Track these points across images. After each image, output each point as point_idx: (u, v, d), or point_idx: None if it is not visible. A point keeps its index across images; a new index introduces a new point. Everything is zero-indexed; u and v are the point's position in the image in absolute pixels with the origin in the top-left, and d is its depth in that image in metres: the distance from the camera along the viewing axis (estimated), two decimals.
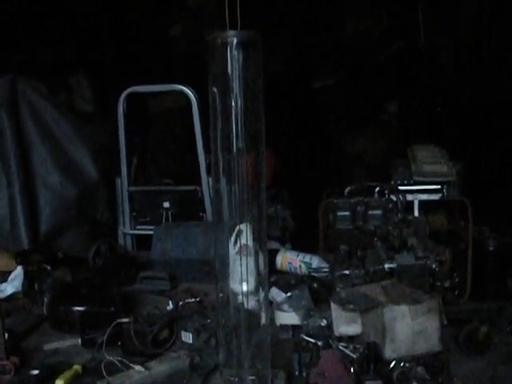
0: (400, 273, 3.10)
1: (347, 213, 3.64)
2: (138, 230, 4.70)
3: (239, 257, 2.46)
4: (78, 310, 3.29)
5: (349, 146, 7.16)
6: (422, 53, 7.63)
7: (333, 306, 2.83)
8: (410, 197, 3.79)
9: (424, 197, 3.82)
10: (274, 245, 4.16)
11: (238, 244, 2.51)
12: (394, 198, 3.66)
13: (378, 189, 3.73)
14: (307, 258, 3.86)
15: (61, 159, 4.27)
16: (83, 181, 4.31)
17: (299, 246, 4.14)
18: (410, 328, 2.62)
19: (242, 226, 2.45)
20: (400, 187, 3.83)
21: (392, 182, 3.89)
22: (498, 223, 3.92)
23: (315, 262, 3.80)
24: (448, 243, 3.55)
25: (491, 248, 3.58)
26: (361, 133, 7.18)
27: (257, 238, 2.47)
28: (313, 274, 3.65)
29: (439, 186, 3.82)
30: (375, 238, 3.36)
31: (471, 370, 2.76)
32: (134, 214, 4.68)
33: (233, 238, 2.49)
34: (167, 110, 6.28)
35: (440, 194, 3.82)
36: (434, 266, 3.08)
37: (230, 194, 2.35)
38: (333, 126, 7.45)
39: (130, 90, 4.51)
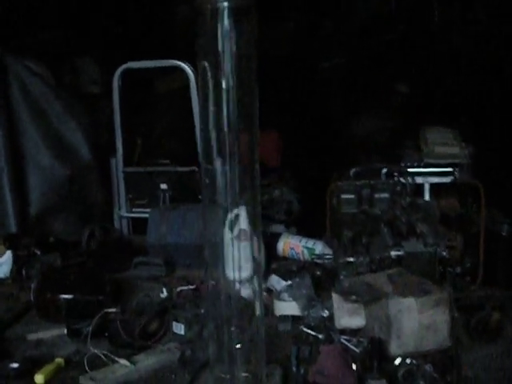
0: (408, 261, 2.94)
1: (352, 196, 3.46)
2: (135, 212, 4.50)
3: (235, 242, 2.39)
4: (64, 298, 3.11)
5: (358, 128, 6.93)
6: (434, 33, 7.49)
7: (334, 296, 2.65)
8: (420, 180, 3.68)
9: (435, 180, 3.69)
10: (278, 228, 4.01)
11: (236, 229, 2.48)
12: (402, 180, 3.46)
13: (385, 170, 3.54)
14: (310, 243, 3.68)
15: (52, 138, 4.13)
16: (75, 161, 4.18)
17: (305, 230, 3.99)
18: (417, 322, 2.44)
19: (239, 210, 2.33)
20: (410, 169, 3.71)
21: (402, 165, 3.76)
22: (508, 206, 3.84)
23: (319, 247, 3.62)
24: (459, 228, 3.43)
25: (504, 233, 3.51)
26: (370, 114, 6.95)
27: (251, 222, 2.34)
28: (316, 260, 3.47)
29: (451, 169, 3.68)
30: (382, 224, 3.18)
31: (481, 357, 2.60)
32: (130, 195, 4.48)
33: (227, 223, 2.38)
34: (173, 90, 6.10)
35: (452, 177, 3.68)
36: (444, 253, 2.88)
37: (225, 176, 2.20)
38: (341, 106, 7.26)
39: (125, 65, 4.32)
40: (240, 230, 2.59)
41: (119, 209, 4.53)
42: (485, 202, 3.44)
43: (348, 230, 3.23)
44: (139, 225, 4.39)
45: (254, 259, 2.34)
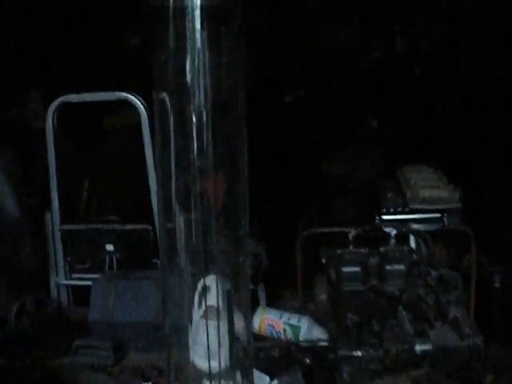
0: (437, 358, 2.37)
1: (356, 268, 2.85)
2: (75, 279, 3.91)
3: (202, 322, 1.86)
4: None
5: (328, 167, 6.55)
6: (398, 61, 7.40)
7: None
8: (403, 227, 3.27)
9: (421, 227, 3.33)
10: None
11: (204, 305, 1.91)
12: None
13: (394, 232, 2.93)
14: (294, 319, 3.12)
15: None
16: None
17: (274, 287, 3.68)
18: None
19: (209, 280, 1.87)
20: (393, 216, 3.35)
21: (384, 210, 3.40)
22: (498, 253, 3.71)
23: (304, 325, 3.06)
24: None
25: (496, 284, 3.26)
26: (341, 151, 6.61)
27: (235, 294, 1.90)
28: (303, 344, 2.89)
29: (439, 215, 3.37)
30: (399, 306, 2.62)
31: None
32: (69, 258, 3.89)
33: (196, 297, 1.91)
34: (123, 127, 5.73)
35: (440, 224, 3.36)
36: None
37: (190, 235, 1.80)
38: (308, 144, 6.83)
39: (61, 99, 3.76)
40: (208, 306, 1.95)
41: (56, 275, 3.94)
42: (475, 250, 3.20)
43: (352, 312, 2.56)
44: (82, 293, 3.79)
45: (234, 344, 1.88)
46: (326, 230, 3.38)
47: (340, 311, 2.71)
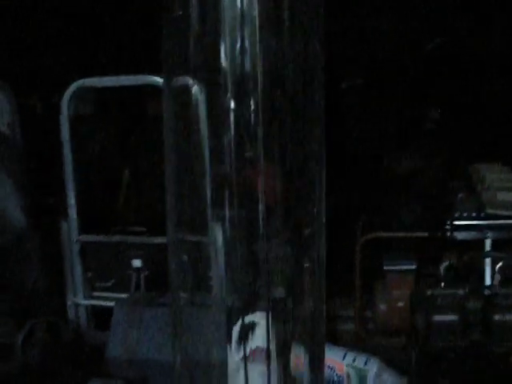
0: None
1: (453, 317, 2.20)
2: (96, 298, 3.49)
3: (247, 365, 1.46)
4: None
5: (390, 164, 6.16)
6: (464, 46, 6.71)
7: None
8: (477, 234, 2.96)
9: (499, 235, 2.99)
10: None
11: (249, 346, 1.52)
12: None
13: (500, 264, 2.35)
14: (360, 360, 2.58)
15: None
16: (3, 230, 3.33)
17: (329, 295, 3.21)
18: None
19: (256, 317, 1.48)
20: (465, 222, 2.98)
21: (456, 215, 3.00)
22: None
23: (373, 369, 2.53)
24: None
25: None
26: (405, 147, 6.25)
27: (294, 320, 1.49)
28: None
29: None
30: None
31: None
32: (90, 274, 3.48)
33: (234, 335, 1.54)
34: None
35: None
36: None
37: (232, 255, 1.41)
38: (365, 137, 6.56)
39: (78, 83, 3.33)
40: (254, 347, 1.55)
41: (74, 294, 3.51)
42: None
43: (445, 377, 1.97)
44: (104, 315, 3.35)
45: None
46: (389, 234, 3.20)
47: (429, 373, 2.08)
